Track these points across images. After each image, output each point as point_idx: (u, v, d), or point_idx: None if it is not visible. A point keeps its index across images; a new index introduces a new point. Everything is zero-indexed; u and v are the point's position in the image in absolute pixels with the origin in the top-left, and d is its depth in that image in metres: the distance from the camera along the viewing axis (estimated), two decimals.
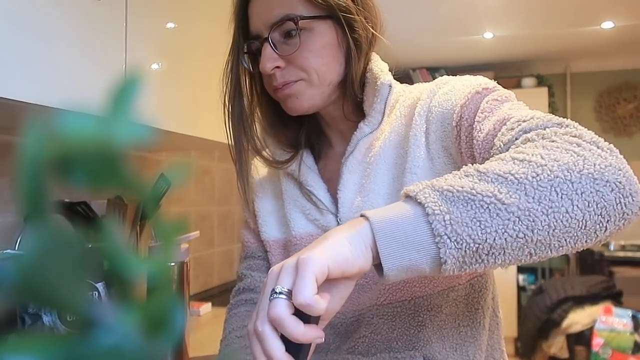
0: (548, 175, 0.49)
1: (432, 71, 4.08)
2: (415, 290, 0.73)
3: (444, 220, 0.48)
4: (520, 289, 3.97)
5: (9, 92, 0.77)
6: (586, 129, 0.56)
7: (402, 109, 0.76)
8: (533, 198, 0.49)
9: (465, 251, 0.49)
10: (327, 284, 0.49)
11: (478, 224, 0.48)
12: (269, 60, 0.70)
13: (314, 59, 0.71)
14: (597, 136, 0.55)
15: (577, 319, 3.00)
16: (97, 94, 0.88)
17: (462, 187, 0.50)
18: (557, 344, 3.07)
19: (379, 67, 0.77)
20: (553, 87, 4.26)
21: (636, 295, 3.25)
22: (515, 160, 0.52)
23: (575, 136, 0.54)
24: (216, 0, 1.44)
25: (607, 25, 3.37)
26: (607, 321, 2.80)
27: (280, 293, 0.47)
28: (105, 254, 0.16)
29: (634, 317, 2.79)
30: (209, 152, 2.09)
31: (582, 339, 2.93)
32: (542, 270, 4.13)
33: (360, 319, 0.75)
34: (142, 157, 1.64)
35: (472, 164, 0.64)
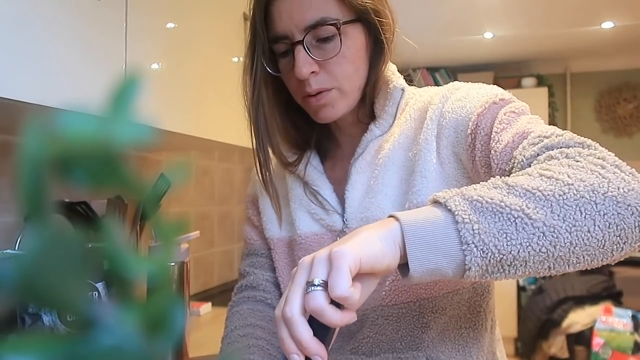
0: (574, 194, 0.51)
1: (432, 71, 4.08)
2: (420, 292, 0.73)
3: (473, 230, 0.50)
4: (520, 289, 3.97)
5: (9, 92, 0.77)
6: (608, 151, 0.57)
7: (412, 112, 0.76)
8: (558, 215, 0.50)
9: (489, 260, 0.50)
10: (354, 278, 0.50)
11: (504, 235, 0.50)
12: (305, 65, 0.68)
13: (348, 65, 0.70)
14: (619, 159, 0.56)
15: (577, 319, 3.00)
16: (97, 94, 0.88)
17: (492, 199, 0.51)
18: (557, 344, 3.07)
19: (390, 69, 0.77)
20: (553, 87, 4.26)
21: (636, 295, 3.25)
22: (543, 177, 0.53)
23: (599, 158, 0.55)
24: (216, 0, 1.44)
25: (607, 25, 3.37)
26: (607, 321, 2.80)
27: (317, 285, 0.48)
28: (105, 254, 0.16)
29: (634, 317, 2.79)
30: (209, 152, 2.09)
31: (582, 339, 2.93)
32: None
33: (363, 319, 0.75)
34: (142, 157, 1.64)
35: (487, 174, 0.65)
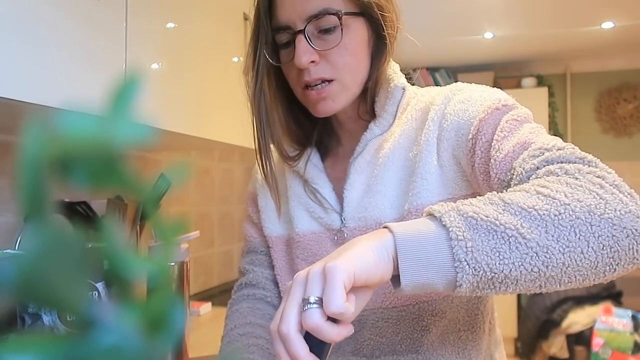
0: (570, 215, 0.51)
1: (432, 71, 4.07)
2: (420, 295, 0.73)
3: (466, 247, 0.50)
4: None
5: (9, 92, 0.77)
6: (608, 169, 0.57)
7: (414, 112, 0.76)
8: (552, 236, 0.50)
9: (480, 278, 0.50)
10: (349, 291, 0.50)
11: (497, 254, 0.50)
12: (305, 53, 0.68)
13: (350, 56, 0.70)
14: (619, 178, 0.55)
15: (577, 319, 3.00)
16: (97, 94, 0.88)
17: (487, 216, 0.51)
18: (557, 344, 3.07)
19: (392, 68, 0.77)
20: (553, 87, 4.25)
21: (636, 295, 3.25)
22: (540, 195, 0.52)
23: (598, 177, 0.55)
24: (216, 0, 1.44)
25: (607, 25, 3.37)
26: (607, 321, 2.80)
27: (313, 303, 0.49)
28: (105, 254, 0.16)
29: (633, 317, 2.78)
30: (209, 152, 2.09)
31: (582, 339, 2.93)
32: None
33: (363, 321, 0.75)
34: (142, 157, 1.64)
35: (486, 181, 0.65)
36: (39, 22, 0.83)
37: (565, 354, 3.03)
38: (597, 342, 2.75)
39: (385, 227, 0.54)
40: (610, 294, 3.16)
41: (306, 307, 0.49)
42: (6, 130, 1.12)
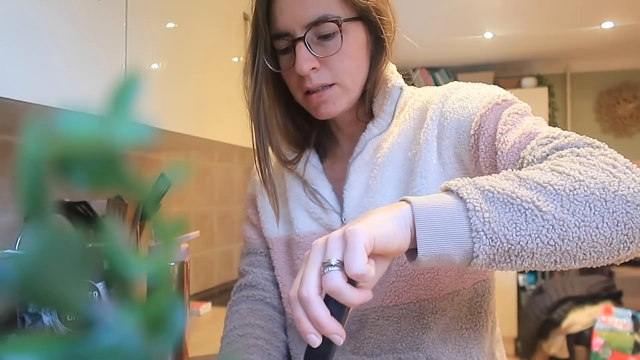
0: (584, 190, 0.51)
1: (432, 71, 4.08)
2: (420, 293, 0.73)
3: (483, 218, 0.50)
4: (520, 289, 3.97)
5: (9, 92, 0.77)
6: (617, 153, 0.58)
7: (411, 111, 0.76)
8: (568, 210, 0.51)
9: (497, 249, 0.50)
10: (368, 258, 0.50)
11: (514, 226, 0.50)
12: (306, 61, 0.68)
13: (350, 61, 0.70)
14: (629, 161, 0.56)
15: (577, 319, 3.00)
16: (97, 94, 0.88)
17: (504, 189, 0.52)
18: (557, 344, 3.06)
19: (389, 68, 0.77)
20: (553, 87, 4.26)
21: (636, 295, 3.25)
22: (555, 172, 0.53)
23: (611, 158, 0.56)
24: (216, 0, 1.44)
25: (607, 25, 3.37)
26: (607, 321, 2.80)
27: (334, 265, 0.49)
28: (105, 254, 0.16)
29: (634, 317, 2.78)
30: (209, 152, 2.09)
31: (582, 339, 2.93)
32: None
33: (363, 319, 0.75)
34: (142, 157, 1.64)
35: (492, 174, 0.65)
36: (39, 22, 0.83)
37: (565, 354, 3.03)
38: (597, 342, 2.75)
39: (403, 200, 0.54)
40: (610, 294, 3.15)
41: (327, 270, 0.49)
42: (6, 130, 1.12)
